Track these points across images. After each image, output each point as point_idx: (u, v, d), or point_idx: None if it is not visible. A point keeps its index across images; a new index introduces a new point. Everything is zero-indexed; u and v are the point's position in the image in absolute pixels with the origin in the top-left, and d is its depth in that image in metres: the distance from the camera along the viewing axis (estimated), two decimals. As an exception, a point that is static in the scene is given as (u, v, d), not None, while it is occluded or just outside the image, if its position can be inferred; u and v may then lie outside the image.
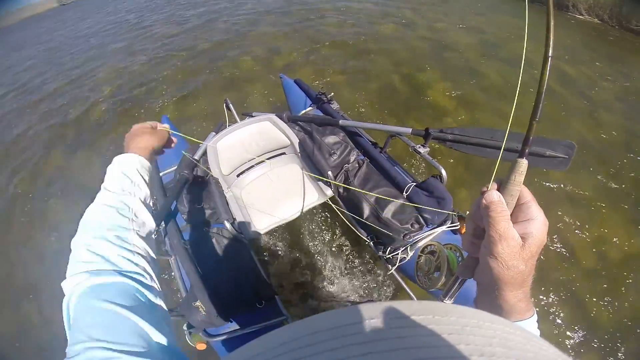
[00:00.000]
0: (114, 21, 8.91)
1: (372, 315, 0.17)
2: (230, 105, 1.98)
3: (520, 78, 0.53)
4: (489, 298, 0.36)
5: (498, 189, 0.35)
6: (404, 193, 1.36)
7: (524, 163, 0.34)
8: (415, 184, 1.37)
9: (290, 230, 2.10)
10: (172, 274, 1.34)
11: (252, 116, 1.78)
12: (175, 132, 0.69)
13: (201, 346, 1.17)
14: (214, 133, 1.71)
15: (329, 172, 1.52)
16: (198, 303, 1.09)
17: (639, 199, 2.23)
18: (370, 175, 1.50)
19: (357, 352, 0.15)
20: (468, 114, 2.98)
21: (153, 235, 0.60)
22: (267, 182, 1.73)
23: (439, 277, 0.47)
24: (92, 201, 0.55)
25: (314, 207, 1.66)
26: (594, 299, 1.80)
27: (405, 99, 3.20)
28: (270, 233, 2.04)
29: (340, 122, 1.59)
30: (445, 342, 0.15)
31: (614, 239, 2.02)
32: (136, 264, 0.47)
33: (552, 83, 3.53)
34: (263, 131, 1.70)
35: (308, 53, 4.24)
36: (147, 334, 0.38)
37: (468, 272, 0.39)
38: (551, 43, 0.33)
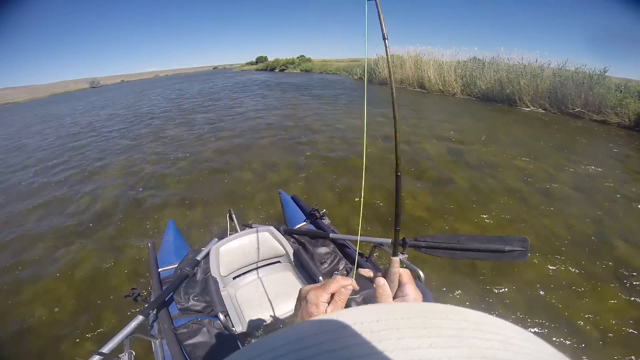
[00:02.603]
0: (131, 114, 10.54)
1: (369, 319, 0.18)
2: (234, 216, 2.22)
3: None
4: None
5: (384, 276, 0.54)
6: None
7: (396, 259, 0.52)
8: None
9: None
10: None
11: (252, 227, 2.00)
12: None
13: None
14: (216, 239, 1.91)
15: (320, 278, 1.65)
16: None
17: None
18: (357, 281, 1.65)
19: (361, 352, 0.15)
20: (443, 222, 3.25)
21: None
22: (261, 286, 1.83)
23: None
24: None
25: None
26: None
27: (388, 212, 3.45)
28: (260, 330, 2.00)
29: (331, 235, 1.83)
30: (447, 344, 0.16)
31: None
32: None
33: (513, 182, 4.06)
34: (262, 241, 1.90)
35: (301, 170, 4.74)
36: None
37: None
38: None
